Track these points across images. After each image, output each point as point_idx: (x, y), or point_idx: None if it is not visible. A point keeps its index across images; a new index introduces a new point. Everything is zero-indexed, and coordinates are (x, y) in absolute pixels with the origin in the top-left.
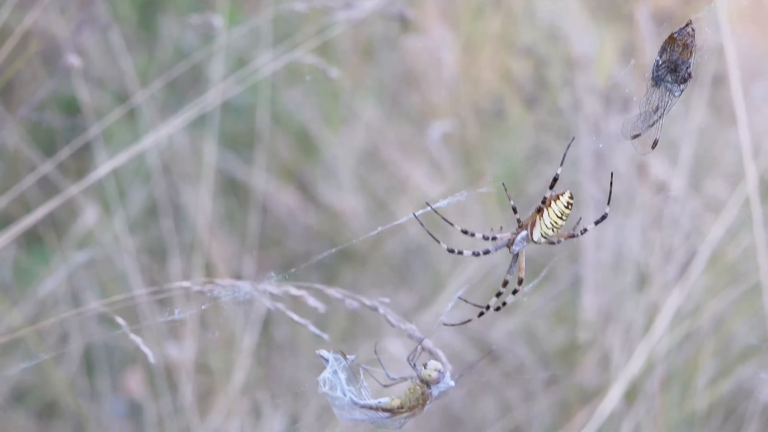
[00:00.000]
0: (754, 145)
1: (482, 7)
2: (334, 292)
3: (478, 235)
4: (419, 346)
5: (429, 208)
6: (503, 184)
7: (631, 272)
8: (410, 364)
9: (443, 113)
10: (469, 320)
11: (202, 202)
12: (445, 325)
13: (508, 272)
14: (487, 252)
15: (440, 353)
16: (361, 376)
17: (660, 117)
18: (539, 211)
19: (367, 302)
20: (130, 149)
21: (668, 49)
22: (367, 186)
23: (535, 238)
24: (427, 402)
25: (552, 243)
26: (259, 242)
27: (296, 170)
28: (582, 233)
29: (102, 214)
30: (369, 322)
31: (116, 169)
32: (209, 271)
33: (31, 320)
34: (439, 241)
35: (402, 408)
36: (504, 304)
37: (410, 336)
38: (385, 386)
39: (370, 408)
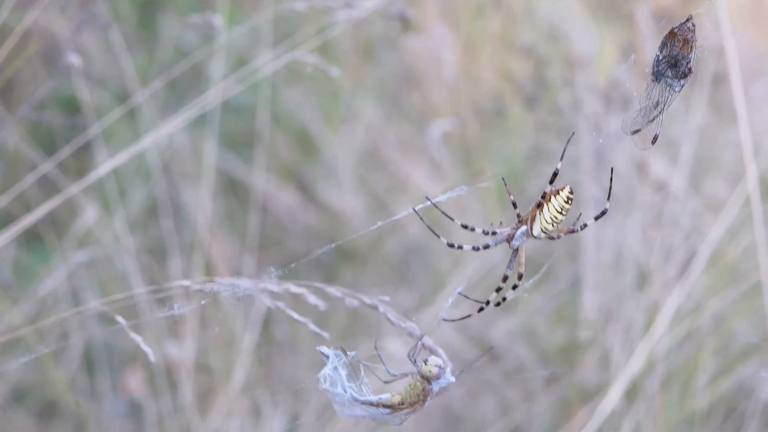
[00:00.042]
0: (755, 144)
1: (482, 6)
2: (334, 290)
3: (478, 230)
4: (420, 342)
5: (429, 203)
6: (503, 179)
7: (632, 271)
8: (411, 360)
9: (443, 113)
10: (468, 315)
11: (202, 202)
12: (444, 320)
13: (508, 267)
14: (487, 247)
15: (440, 351)
16: (362, 373)
17: (660, 112)
18: (539, 206)
19: (368, 301)
20: (130, 149)
21: (668, 44)
22: (367, 186)
23: (535, 233)
24: (428, 398)
25: (552, 238)
26: (259, 242)
27: (296, 170)
28: (582, 228)
29: (102, 213)
30: (369, 321)
31: (116, 169)
32: (209, 271)
33: (32, 319)
34: (439, 236)
35: (403, 404)
36: (504, 299)
37: (410, 334)
38: (386, 382)
39: (371, 404)
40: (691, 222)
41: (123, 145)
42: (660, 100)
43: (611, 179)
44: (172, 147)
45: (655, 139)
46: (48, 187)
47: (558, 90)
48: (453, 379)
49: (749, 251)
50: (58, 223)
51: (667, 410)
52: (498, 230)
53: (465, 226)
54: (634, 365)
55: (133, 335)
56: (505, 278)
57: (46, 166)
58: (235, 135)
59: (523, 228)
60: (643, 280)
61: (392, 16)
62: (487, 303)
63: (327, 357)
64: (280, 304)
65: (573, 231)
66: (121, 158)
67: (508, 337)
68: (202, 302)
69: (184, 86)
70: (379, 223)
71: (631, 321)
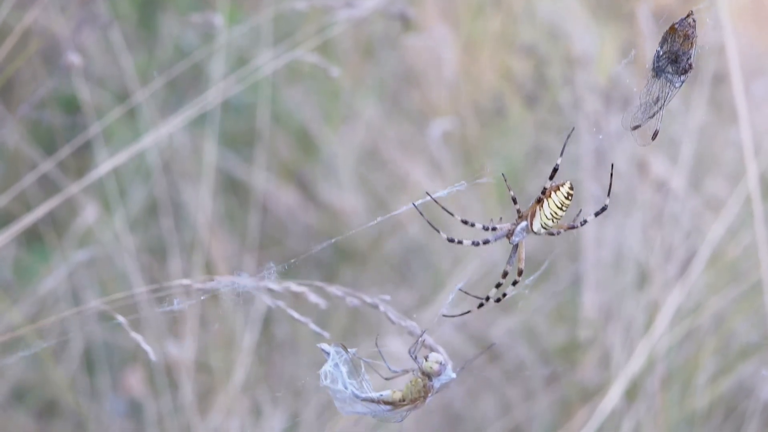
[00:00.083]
0: (755, 143)
1: (482, 6)
2: (335, 289)
3: (478, 225)
4: (420, 338)
5: (428, 198)
6: (503, 174)
7: (632, 270)
8: (411, 356)
9: (443, 112)
10: (468, 311)
11: (202, 201)
12: (444, 316)
13: (508, 263)
14: (486, 242)
15: (441, 349)
16: (363, 369)
17: (660, 108)
18: (539, 201)
19: (368, 300)
20: (130, 148)
21: (669, 40)
22: (367, 185)
23: (535, 229)
24: (429, 394)
25: (552, 234)
26: (259, 241)
27: (296, 169)
28: (582, 224)
29: (102, 212)
30: (369, 320)
31: (116, 168)
32: (209, 270)
33: (32, 318)
34: (438, 231)
35: (404, 401)
36: (504, 295)
37: (411, 333)
38: (387, 379)
39: (372, 401)
40: (692, 221)
41: (123, 144)
42: (660, 96)
43: (611, 175)
44: (172, 146)
45: (655, 135)
46: (48, 186)
47: (558, 89)
48: (454, 375)
49: (749, 250)
50: (58, 222)
51: (668, 409)
52: (498, 226)
53: (465, 222)
54: (635, 364)
55: (134, 334)
56: (504, 274)
57: (46, 166)
58: (235, 134)
59: (523, 224)
60: (643, 279)
61: (393, 15)
62: (487, 299)
63: (328, 354)
64: (281, 304)
65: (573, 227)
66: (121, 157)
67: (508, 336)
68: (201, 298)
69: (185, 85)
70: (379, 219)
71: (631, 320)
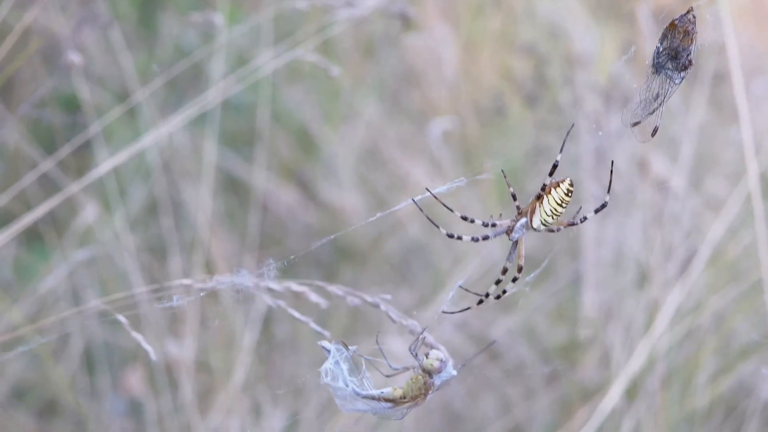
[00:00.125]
0: (755, 142)
1: (483, 5)
2: (335, 289)
3: (478, 222)
4: (421, 336)
5: (428, 194)
6: (502, 171)
7: (632, 270)
8: (412, 353)
9: (443, 111)
10: (468, 308)
11: (202, 200)
12: (444, 312)
13: (508, 260)
14: (486, 238)
15: (441, 347)
16: (363, 367)
17: (660, 104)
18: (539, 198)
19: (369, 299)
20: (130, 147)
21: (669, 36)
22: (367, 184)
23: (535, 225)
24: (430, 391)
25: (551, 231)
26: (260, 240)
27: (296, 168)
28: (582, 221)
29: (102, 211)
30: (370, 319)
31: (116, 167)
32: (209, 269)
33: (32, 318)
34: (438, 226)
35: (404, 398)
36: (504, 292)
37: (412, 332)
38: (387, 376)
39: (373, 398)
40: (692, 220)
41: (123, 143)
42: (660, 93)
43: (611, 172)
44: (172, 146)
45: (655, 132)
46: (48, 185)
47: (558, 89)
48: (454, 372)
49: (749, 249)
50: (59, 221)
51: (668, 409)
52: (497, 222)
53: (464, 218)
54: (635, 363)
55: (135, 334)
56: (504, 270)
57: (47, 165)
58: (235, 133)
59: (523, 220)
60: (643, 278)
61: (393, 14)
62: (487, 296)
63: (328, 351)
64: (281, 303)
65: (573, 224)
66: (121, 157)
67: (508, 336)
68: (201, 294)
69: (185, 85)
70: (378, 215)
71: (631, 319)
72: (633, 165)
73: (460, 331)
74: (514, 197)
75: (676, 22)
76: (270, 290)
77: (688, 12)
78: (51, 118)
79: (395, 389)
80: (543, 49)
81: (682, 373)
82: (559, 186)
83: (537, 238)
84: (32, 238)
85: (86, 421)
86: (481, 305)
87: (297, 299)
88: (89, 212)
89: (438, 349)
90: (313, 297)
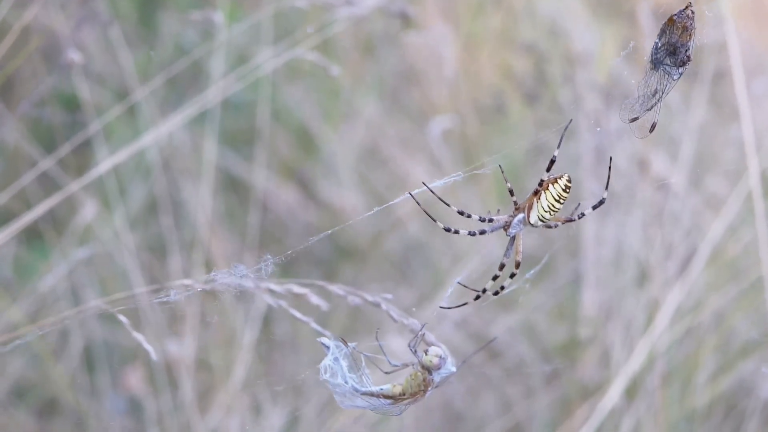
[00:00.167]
0: (756, 141)
1: (483, 4)
2: (336, 288)
3: (475, 217)
4: (420, 333)
5: (425, 188)
6: (500, 166)
7: (632, 268)
8: (411, 350)
9: (443, 110)
10: (465, 303)
11: (202, 199)
12: (442, 308)
13: (505, 255)
14: (483, 232)
15: (441, 345)
16: (363, 364)
17: (658, 100)
18: (536, 193)
19: (370, 298)
20: (130, 146)
21: (667, 32)
22: (367, 183)
23: (532, 221)
24: (429, 388)
25: (549, 227)
26: (260, 239)
27: (296, 167)
28: (579, 218)
29: (102, 210)
30: (370, 318)
31: (116, 166)
32: (209, 269)
33: (32, 316)
34: (435, 220)
35: (404, 394)
36: (502, 288)
37: (412, 331)
38: (387, 373)
39: (372, 395)
40: (692, 219)
41: (123, 142)
42: (658, 88)
43: (609, 168)
44: (172, 144)
45: (653, 127)
46: (48, 184)
47: (558, 87)
48: (453, 369)
49: (750, 248)
50: (58, 220)
51: (668, 407)
52: (495, 217)
53: (461, 213)
54: (635, 362)
55: (136, 334)
56: (502, 266)
57: (46, 163)
58: (235, 132)
59: (520, 216)
60: (643, 277)
61: (393, 13)
62: (484, 291)
63: (327, 348)
64: (283, 303)
65: (570, 220)
66: (121, 155)
67: (508, 334)
68: (198, 289)
69: (185, 83)
70: (376, 209)
71: (631, 318)
72: (633, 163)
73: (460, 329)
74: (512, 192)
75: (675, 17)
76: (271, 291)
77: (686, 7)
78: (51, 116)
79: (394, 386)
80: (543, 48)
81: (682, 372)
82: (556, 182)
83: (537, 236)
84: (32, 236)
85: (86, 419)
86: (480, 303)
87: (297, 298)
88: (89, 211)
89: (438, 346)
90: (315, 299)
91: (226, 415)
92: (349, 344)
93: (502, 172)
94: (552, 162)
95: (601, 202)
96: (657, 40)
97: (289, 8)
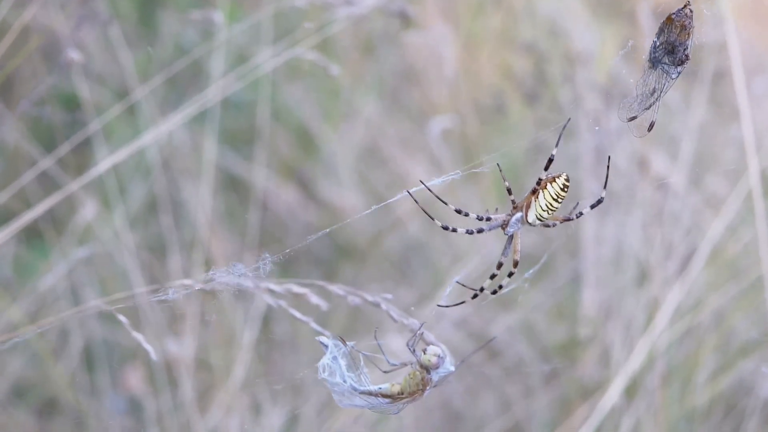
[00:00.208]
0: (756, 140)
1: (483, 3)
2: (336, 288)
3: (472, 215)
4: (419, 331)
5: (422, 186)
6: (498, 164)
7: (632, 268)
8: (410, 349)
9: (443, 109)
10: (462, 302)
11: (202, 199)
12: (439, 306)
13: (503, 254)
14: (480, 231)
15: (441, 344)
16: (361, 363)
17: (657, 99)
18: (534, 192)
19: (370, 298)
20: (130, 145)
21: (666, 31)
22: (367, 182)
23: (530, 220)
24: (427, 387)
25: (547, 226)
26: (259, 239)
27: (296, 167)
28: (577, 217)
29: (102, 210)
30: (370, 318)
31: (116, 165)
32: (209, 268)
33: (31, 315)
34: (433, 218)
35: (402, 393)
36: (500, 287)
37: (412, 331)
38: (385, 372)
39: (370, 394)
40: (692, 218)
41: (123, 141)
42: (657, 87)
43: (608, 167)
44: (172, 144)
45: (651, 127)
46: (48, 183)
47: (558, 87)
48: (452, 368)
49: (749, 247)
50: (58, 219)
51: (668, 407)
52: (492, 216)
53: (459, 211)
54: (634, 362)
55: (135, 334)
56: (499, 265)
57: (46, 163)
58: (235, 132)
59: (518, 214)
60: (643, 276)
61: (392, 13)
62: (482, 290)
63: (326, 347)
64: (282, 303)
65: (569, 219)
66: (121, 155)
67: (508, 334)
68: (196, 288)
69: (184, 83)
70: (374, 207)
71: (631, 317)
72: (633, 163)
73: (459, 329)
74: (509, 191)
75: (673, 16)
76: (270, 291)
77: (684, 6)
78: (51, 115)
79: (393, 385)
80: (543, 48)
81: (681, 371)
82: (555, 181)
83: (536, 235)
84: (32, 236)
85: (86, 419)
86: (480, 302)
87: (298, 298)
88: (89, 210)
89: (437, 345)
90: (314, 299)
91: (225, 415)
92: (347, 343)
93: (500, 170)
94: (550, 161)
95: (600, 202)
96: (655, 39)
97: (289, 8)
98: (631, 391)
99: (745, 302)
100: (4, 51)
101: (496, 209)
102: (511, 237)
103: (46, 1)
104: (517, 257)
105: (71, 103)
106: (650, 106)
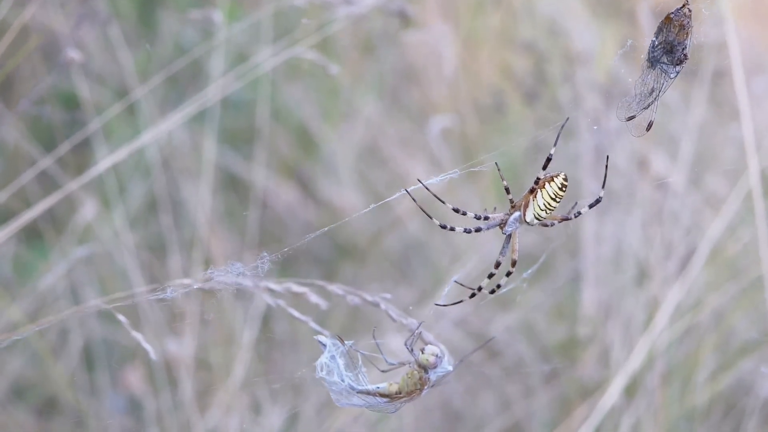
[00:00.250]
0: (756, 140)
1: (482, 2)
2: (335, 288)
3: (470, 214)
4: (417, 331)
5: (420, 185)
6: (496, 163)
7: (632, 267)
8: (408, 348)
9: (443, 109)
10: (460, 301)
11: (201, 198)
12: (437, 305)
13: (501, 254)
14: (479, 230)
15: (440, 344)
16: (360, 362)
17: (655, 99)
18: (532, 191)
19: (369, 298)
20: (129, 145)
21: (664, 30)
22: (366, 182)
23: (528, 219)
24: (425, 387)
25: (545, 225)
26: (259, 238)
27: (296, 166)
28: (576, 216)
29: (101, 209)
30: (370, 317)
31: (116, 165)
32: (208, 267)
33: (31, 315)
34: (431, 217)
35: (400, 393)
36: (498, 286)
37: (411, 330)
38: (383, 371)
39: (368, 393)
40: (691, 218)
41: (122, 141)
42: (655, 87)
43: (606, 167)
44: (172, 143)
45: (650, 126)
46: (47, 183)
47: (558, 86)
48: (450, 368)
49: (749, 247)
50: (58, 219)
51: (667, 406)
52: (490, 215)
53: (456, 210)
54: (634, 361)
55: (135, 333)
56: (497, 264)
57: (46, 162)
58: (234, 131)
59: (516, 214)
60: (643, 275)
61: (392, 12)
62: (479, 289)
63: (324, 346)
64: (281, 302)
65: (567, 218)
66: (120, 154)
67: (507, 333)
68: (195, 287)
69: (184, 82)
70: (372, 206)
71: (630, 317)
72: (633, 162)
73: (459, 328)
74: (508, 190)
75: (672, 15)
76: (270, 290)
77: (683, 6)
78: (50, 115)
79: (391, 384)
80: (543, 47)
81: (681, 371)
82: (553, 180)
83: (536, 235)
84: (31, 235)
85: (86, 418)
86: (479, 302)
87: (297, 297)
88: (88, 210)
89: (436, 345)
90: (314, 298)
91: (225, 414)
92: (345, 342)
93: (499, 170)
94: (548, 160)
95: (598, 201)
96: (654, 39)
97: (289, 7)
98: (630, 391)
99: (745, 302)
100: (3, 50)
101: (495, 208)
102: (509, 236)
103: (45, 1)
104: (515, 257)
105: (71, 103)
106: (649, 105)
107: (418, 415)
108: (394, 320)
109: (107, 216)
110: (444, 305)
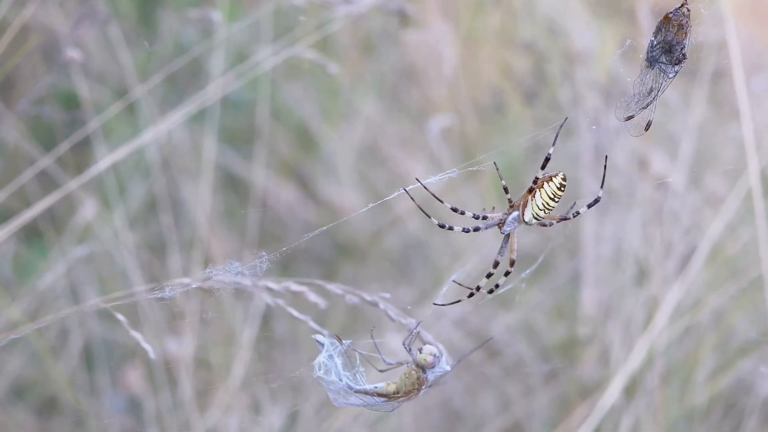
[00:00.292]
0: (756, 139)
1: (482, 2)
2: (334, 287)
3: (468, 214)
4: (415, 330)
5: (419, 184)
6: (494, 163)
7: (631, 267)
8: (406, 348)
9: (443, 108)
10: (459, 300)
11: (201, 198)
12: (435, 304)
13: (499, 253)
14: (477, 229)
15: (439, 344)
16: (357, 362)
17: (654, 98)
18: (531, 191)
19: (368, 298)
20: (129, 144)
21: (663, 30)
22: (366, 181)
23: (527, 219)
24: (423, 386)
25: (544, 225)
26: (259, 238)
27: (296, 166)
28: (574, 216)
29: (101, 209)
30: (369, 316)
31: (116, 164)
32: (208, 267)
33: (31, 314)
34: (429, 216)
35: (398, 393)
36: (497, 286)
37: (409, 330)
38: (381, 371)
39: (366, 393)
40: (691, 217)
41: (122, 140)
42: (654, 87)
43: (605, 167)
44: (172, 143)
45: (648, 126)
46: (47, 182)
47: (558, 86)
48: (448, 367)
49: (749, 246)
50: (58, 218)
51: (667, 406)
52: (489, 215)
53: (455, 210)
54: (634, 361)
55: (134, 333)
56: (496, 264)
57: (46, 162)
58: (234, 131)
59: (515, 213)
60: (642, 275)
61: (392, 11)
62: (478, 288)
63: (322, 345)
64: (280, 302)
65: (565, 218)
66: (120, 154)
67: (507, 333)
68: (194, 286)
69: (184, 82)
70: (370, 205)
71: (630, 316)
72: (633, 162)
73: (458, 328)
74: (506, 190)
75: (671, 15)
76: (269, 289)
77: (682, 5)
78: (50, 114)
79: (388, 384)
80: (542, 46)
81: (681, 371)
82: (551, 180)
83: (535, 234)
84: (31, 235)
85: (86, 418)
86: (479, 301)
87: (296, 297)
88: (88, 209)
89: (434, 344)
90: (312, 297)
91: (225, 414)
92: (343, 342)
93: (497, 169)
94: (547, 160)
95: (597, 201)
96: (653, 38)
97: (288, 6)
98: (630, 391)
99: (745, 301)
100: (3, 49)
101: (493, 208)
102: (508, 236)
103: (45, 0)
104: (514, 256)
105: (71, 102)
106: (647, 105)
107: (418, 415)
108: (392, 320)
109: (107, 215)
110: (442, 305)
